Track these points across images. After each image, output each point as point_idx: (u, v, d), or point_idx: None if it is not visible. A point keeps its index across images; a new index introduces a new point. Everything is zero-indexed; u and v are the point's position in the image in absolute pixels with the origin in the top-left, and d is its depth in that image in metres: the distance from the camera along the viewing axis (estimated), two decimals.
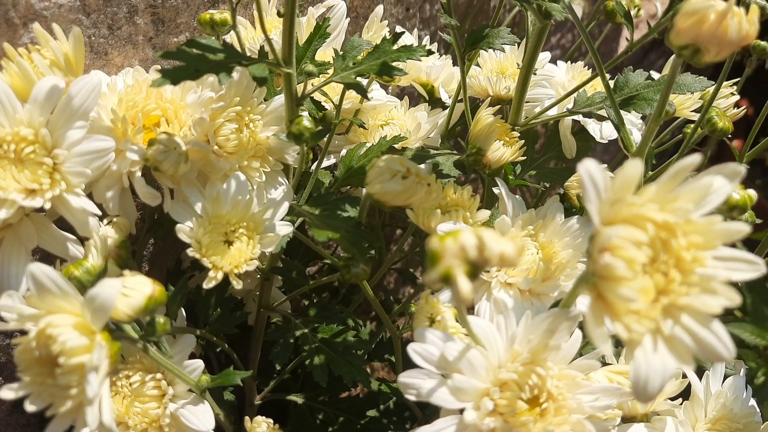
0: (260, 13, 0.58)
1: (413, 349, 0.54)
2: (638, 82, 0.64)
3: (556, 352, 0.52)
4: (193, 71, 0.53)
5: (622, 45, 1.39)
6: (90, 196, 0.60)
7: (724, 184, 0.43)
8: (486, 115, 0.68)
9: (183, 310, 0.66)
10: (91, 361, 0.47)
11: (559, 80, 0.81)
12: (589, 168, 0.40)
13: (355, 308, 0.87)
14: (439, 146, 0.80)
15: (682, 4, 0.50)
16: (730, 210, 0.55)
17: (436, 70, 0.83)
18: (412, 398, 0.54)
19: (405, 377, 0.54)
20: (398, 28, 0.87)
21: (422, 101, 0.88)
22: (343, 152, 0.76)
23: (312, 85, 0.64)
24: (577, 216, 0.64)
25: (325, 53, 0.80)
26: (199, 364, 0.60)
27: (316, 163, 0.72)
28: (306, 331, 0.73)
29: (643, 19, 1.24)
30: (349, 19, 0.84)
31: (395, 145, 0.72)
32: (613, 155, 1.31)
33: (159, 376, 0.61)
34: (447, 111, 0.80)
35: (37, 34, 0.59)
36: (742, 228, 0.42)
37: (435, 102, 0.86)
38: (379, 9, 0.84)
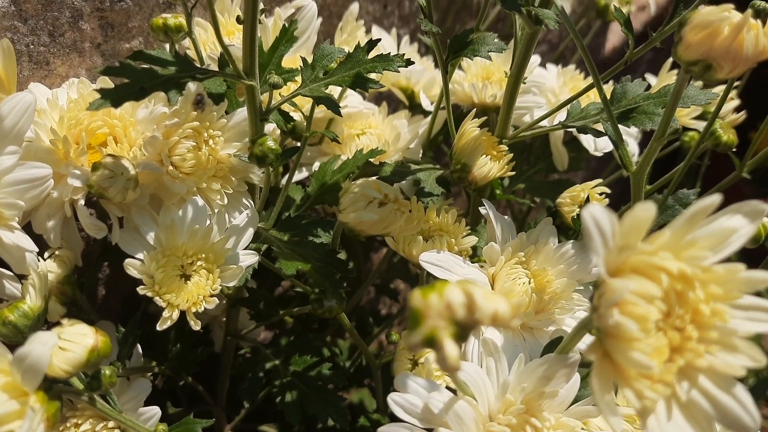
0: (214, 19, 0.52)
1: (394, 400, 0.48)
2: (637, 94, 0.59)
3: (551, 399, 0.47)
4: (138, 90, 0.46)
5: (610, 38, 1.33)
6: (29, 225, 0.53)
7: (745, 224, 0.38)
8: (471, 128, 0.62)
9: (139, 345, 0.60)
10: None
11: (549, 86, 0.76)
12: (595, 214, 0.34)
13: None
14: (420, 158, 0.75)
15: (690, 13, 0.45)
16: None
17: (417, 75, 0.77)
18: None
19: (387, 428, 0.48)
20: (375, 28, 0.81)
21: (402, 107, 0.82)
22: (316, 165, 0.70)
23: (281, 95, 0.58)
24: (572, 241, 0.58)
25: (295, 58, 0.73)
26: (155, 411, 0.54)
27: (286, 177, 0.66)
28: (277, 363, 0.67)
29: (634, 14, 1.19)
30: (321, 18, 0.77)
31: (372, 159, 0.67)
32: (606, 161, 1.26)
33: (111, 424, 0.54)
34: (429, 119, 0.74)
35: None
36: (765, 278, 0.37)
37: (415, 107, 0.80)
38: (354, 7, 0.78)
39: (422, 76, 0.77)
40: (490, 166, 0.62)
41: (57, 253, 0.54)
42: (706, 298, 0.36)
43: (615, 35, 1.35)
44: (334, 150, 0.73)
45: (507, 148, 0.63)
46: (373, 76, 0.55)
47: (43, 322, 0.50)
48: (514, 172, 0.65)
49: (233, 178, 0.59)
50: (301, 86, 0.56)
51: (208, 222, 0.55)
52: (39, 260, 0.51)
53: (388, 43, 0.80)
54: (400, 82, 0.79)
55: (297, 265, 0.54)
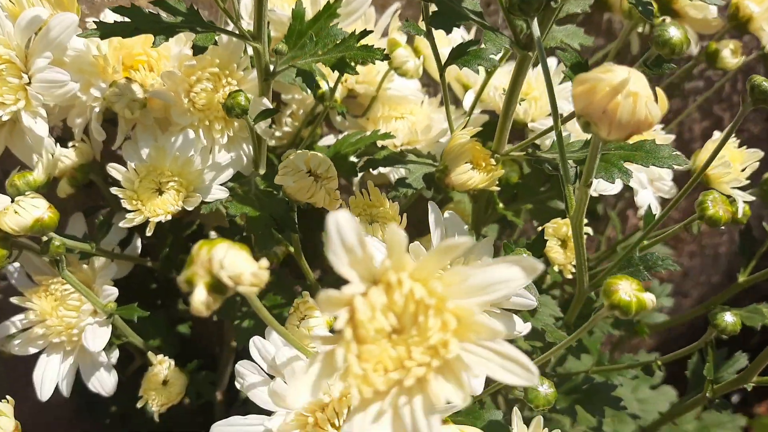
0: None
1: (254, 343, 0.55)
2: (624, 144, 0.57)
3: None
4: (133, 29, 0.56)
5: None
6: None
7: (517, 278, 0.39)
8: (461, 134, 0.64)
9: (139, 240, 0.72)
10: None
11: None
12: (339, 220, 0.37)
13: None
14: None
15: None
16: (611, 308, 0.48)
17: (473, 75, 0.79)
18: (238, 386, 0.55)
19: (239, 365, 0.55)
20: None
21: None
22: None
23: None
24: None
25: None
26: (113, 292, 0.65)
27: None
28: None
29: None
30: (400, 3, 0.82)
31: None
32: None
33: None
34: (463, 120, 0.76)
35: None
36: (500, 331, 0.38)
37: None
38: None
39: (478, 78, 0.79)
40: (471, 174, 0.64)
41: (77, 144, 0.67)
42: (441, 327, 0.38)
43: None
44: (369, 126, 0.78)
45: (495, 163, 0.65)
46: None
47: (43, 193, 0.63)
48: (498, 188, 0.66)
49: (236, 124, 0.67)
50: (301, 57, 0.63)
51: (192, 153, 0.64)
52: (57, 146, 0.64)
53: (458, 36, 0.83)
54: (461, 78, 0.81)
55: (245, 209, 0.62)
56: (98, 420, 0.93)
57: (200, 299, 0.40)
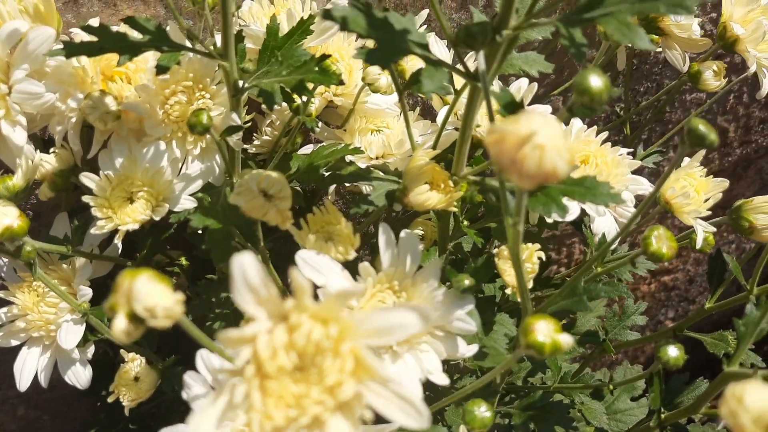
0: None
1: (200, 355, 0.58)
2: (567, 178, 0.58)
3: None
4: (98, 48, 0.59)
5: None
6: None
7: (413, 323, 0.41)
8: (420, 156, 0.66)
9: (120, 244, 0.75)
10: None
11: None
12: (243, 262, 0.40)
13: None
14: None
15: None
16: (527, 347, 0.49)
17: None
18: (184, 396, 0.58)
19: (187, 376, 0.58)
20: (433, 39, 0.84)
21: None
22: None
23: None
24: (444, 288, 0.61)
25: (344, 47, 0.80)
26: (88, 292, 0.69)
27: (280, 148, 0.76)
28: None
29: None
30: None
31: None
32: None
33: (64, 288, 0.71)
34: (434, 136, 0.77)
35: None
36: (388, 377, 0.40)
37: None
38: (423, 13, 0.82)
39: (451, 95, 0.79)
40: (428, 195, 0.65)
41: (57, 151, 0.70)
42: (338, 368, 0.40)
43: None
44: (346, 138, 0.80)
45: (453, 186, 0.66)
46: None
47: (23, 197, 0.67)
48: (456, 209, 0.68)
49: (209, 136, 0.70)
50: (266, 76, 0.65)
51: (162, 164, 0.67)
52: (37, 152, 0.68)
53: (442, 54, 0.83)
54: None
55: (208, 221, 0.65)
56: (93, 402, 0.98)
57: (120, 327, 0.43)
